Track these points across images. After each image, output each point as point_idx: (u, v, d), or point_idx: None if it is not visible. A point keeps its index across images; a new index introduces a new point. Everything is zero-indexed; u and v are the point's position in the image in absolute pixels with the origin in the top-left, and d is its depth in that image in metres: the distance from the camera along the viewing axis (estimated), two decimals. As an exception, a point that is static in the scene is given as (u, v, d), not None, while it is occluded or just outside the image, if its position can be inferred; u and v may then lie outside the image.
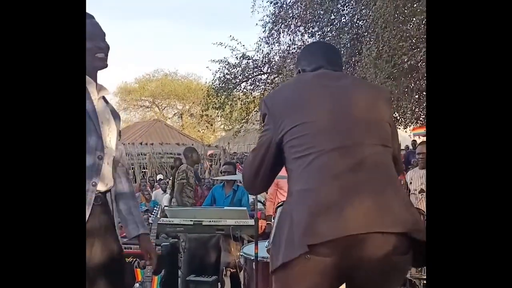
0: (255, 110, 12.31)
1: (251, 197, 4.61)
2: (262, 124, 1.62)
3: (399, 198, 1.42)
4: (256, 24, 19.54)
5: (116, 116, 2.08)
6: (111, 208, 2.00)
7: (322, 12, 9.26)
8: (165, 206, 5.70)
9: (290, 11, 10.16)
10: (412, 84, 8.53)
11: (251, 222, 3.43)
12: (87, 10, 1.89)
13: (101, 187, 1.91)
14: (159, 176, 10.95)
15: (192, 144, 12.88)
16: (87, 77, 1.90)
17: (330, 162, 1.41)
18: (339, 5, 9.67)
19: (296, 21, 10.02)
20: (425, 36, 6.15)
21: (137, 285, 3.69)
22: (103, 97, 2.02)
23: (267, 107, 1.57)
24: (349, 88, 1.56)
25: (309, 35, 9.84)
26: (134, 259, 3.82)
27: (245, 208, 3.95)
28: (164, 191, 9.07)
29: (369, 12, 8.82)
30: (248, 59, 11.72)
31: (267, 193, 4.38)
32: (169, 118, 29.88)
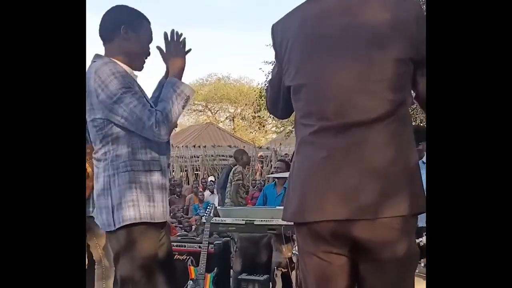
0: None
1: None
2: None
3: (395, 178, 1.31)
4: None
5: None
6: None
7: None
8: (216, 206, 5.76)
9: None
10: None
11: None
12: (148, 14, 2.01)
13: None
14: (211, 178, 11.09)
15: (244, 146, 12.95)
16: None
17: (326, 140, 1.34)
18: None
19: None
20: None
21: (190, 282, 3.74)
22: None
23: (274, 43, 1.51)
24: (357, 28, 1.33)
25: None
26: (188, 257, 3.88)
27: (297, 207, 3.90)
28: (212, 192, 9.20)
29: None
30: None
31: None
32: (221, 122, 30.27)
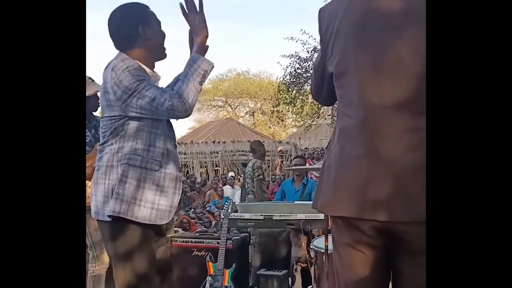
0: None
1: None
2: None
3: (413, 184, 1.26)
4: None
5: None
6: None
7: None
8: (235, 202, 5.77)
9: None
10: None
11: (322, 216, 3.35)
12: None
13: None
14: (231, 174, 11.12)
15: (263, 141, 12.95)
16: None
17: (364, 134, 1.31)
18: None
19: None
20: None
21: (209, 278, 3.74)
22: None
23: (320, 28, 1.48)
24: (396, 15, 1.30)
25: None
26: (206, 253, 3.88)
27: (315, 202, 3.87)
28: (232, 186, 9.23)
29: None
30: (320, 52, 11.57)
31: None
32: (241, 117, 30.32)
